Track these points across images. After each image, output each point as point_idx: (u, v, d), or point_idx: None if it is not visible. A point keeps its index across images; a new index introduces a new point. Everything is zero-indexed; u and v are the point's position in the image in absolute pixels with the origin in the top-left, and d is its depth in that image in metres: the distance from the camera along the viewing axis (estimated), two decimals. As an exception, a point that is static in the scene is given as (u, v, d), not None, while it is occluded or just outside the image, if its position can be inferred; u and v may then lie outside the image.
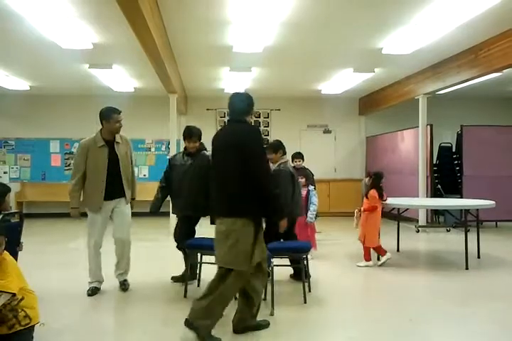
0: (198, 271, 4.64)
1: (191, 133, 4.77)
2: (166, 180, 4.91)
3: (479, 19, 5.64)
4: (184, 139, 4.86)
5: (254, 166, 3.18)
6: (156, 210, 4.84)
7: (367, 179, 5.91)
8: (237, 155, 3.21)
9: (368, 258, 5.63)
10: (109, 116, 4.61)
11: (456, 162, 9.68)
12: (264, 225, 3.49)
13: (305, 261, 4.37)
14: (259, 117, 11.87)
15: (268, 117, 11.86)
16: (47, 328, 2.97)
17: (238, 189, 3.20)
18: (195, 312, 3.22)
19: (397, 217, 6.88)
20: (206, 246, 4.36)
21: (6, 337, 2.51)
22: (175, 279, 4.82)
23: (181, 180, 4.65)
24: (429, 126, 9.11)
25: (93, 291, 4.31)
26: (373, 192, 5.69)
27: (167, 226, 8.68)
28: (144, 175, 11.49)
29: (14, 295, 2.61)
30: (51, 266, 5.61)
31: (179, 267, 4.80)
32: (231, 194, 3.24)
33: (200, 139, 4.82)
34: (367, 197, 5.74)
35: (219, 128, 11.67)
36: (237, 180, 3.20)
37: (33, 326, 2.78)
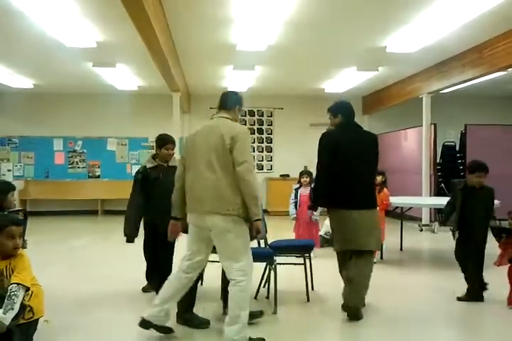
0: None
1: (167, 141, 4.31)
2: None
3: (484, 18, 5.62)
4: (163, 146, 4.27)
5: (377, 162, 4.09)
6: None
7: (379, 177, 5.88)
8: (374, 152, 4.06)
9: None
10: None
11: (459, 161, 9.66)
12: None
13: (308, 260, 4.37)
14: (263, 116, 11.86)
15: (271, 116, 11.85)
16: (49, 326, 2.97)
17: (372, 183, 4.06)
18: (361, 299, 3.66)
19: (400, 215, 6.86)
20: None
21: (7, 329, 2.52)
22: None
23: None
24: (433, 125, 9.10)
25: None
26: (387, 191, 5.88)
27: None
28: (147, 174, 11.48)
29: (28, 289, 2.63)
30: (55, 264, 5.62)
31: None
32: (372, 188, 4.03)
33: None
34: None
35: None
36: (372, 176, 4.06)
37: (37, 320, 2.78)
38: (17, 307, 2.54)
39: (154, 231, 4.03)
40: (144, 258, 4.48)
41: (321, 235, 6.52)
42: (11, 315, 2.51)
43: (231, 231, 3.06)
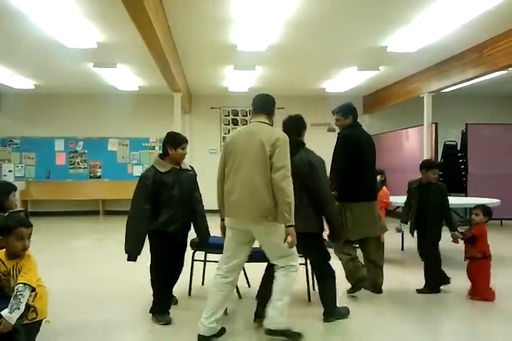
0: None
1: (182, 140, 3.84)
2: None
3: (484, 17, 5.62)
4: (178, 146, 3.77)
5: None
6: None
7: (378, 176, 5.90)
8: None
9: None
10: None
11: (460, 160, 9.65)
12: None
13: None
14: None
15: (272, 116, 11.85)
16: (51, 326, 2.98)
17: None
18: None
19: (401, 215, 6.85)
20: (212, 245, 4.38)
21: (13, 328, 2.53)
22: None
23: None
24: (433, 125, 9.09)
25: None
26: (386, 189, 5.99)
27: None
28: (149, 174, 11.49)
29: (34, 290, 2.64)
30: (56, 264, 5.63)
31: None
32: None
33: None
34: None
35: (223, 126, 11.73)
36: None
37: (40, 321, 2.79)
38: (23, 306, 2.55)
39: (170, 244, 3.65)
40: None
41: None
42: (17, 314, 2.52)
43: (272, 234, 3.14)
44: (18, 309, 2.52)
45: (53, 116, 11.25)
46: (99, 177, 11.50)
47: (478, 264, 4.21)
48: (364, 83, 9.89)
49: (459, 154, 9.81)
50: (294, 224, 3.06)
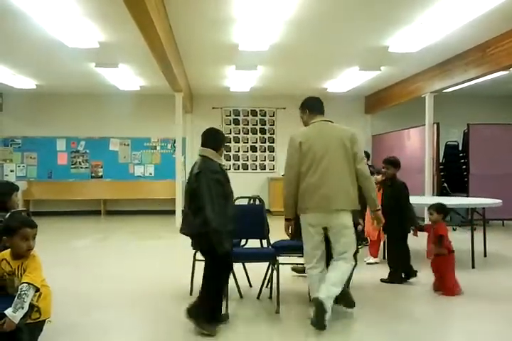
0: None
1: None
2: None
3: (486, 17, 5.61)
4: (224, 144, 3.73)
5: None
6: None
7: (379, 176, 5.89)
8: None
9: (375, 254, 5.74)
10: None
11: (462, 160, 9.63)
12: None
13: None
14: (265, 116, 11.86)
15: (273, 116, 11.85)
16: (52, 326, 2.98)
17: None
18: None
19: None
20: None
21: (16, 327, 2.55)
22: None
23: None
24: (435, 125, 9.08)
25: None
26: None
27: (173, 224, 8.71)
28: (150, 174, 11.52)
29: (38, 290, 2.65)
30: (57, 264, 5.63)
31: (184, 265, 4.79)
32: None
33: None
34: None
35: (225, 126, 11.74)
36: None
37: (43, 321, 2.79)
38: (26, 306, 2.55)
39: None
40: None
41: None
42: (21, 313, 2.52)
43: (349, 227, 3.48)
44: (22, 308, 2.53)
45: (55, 115, 11.26)
46: (101, 177, 11.50)
47: (445, 260, 4.37)
48: (366, 83, 9.88)
49: (461, 154, 9.80)
50: (380, 208, 3.59)
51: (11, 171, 11.28)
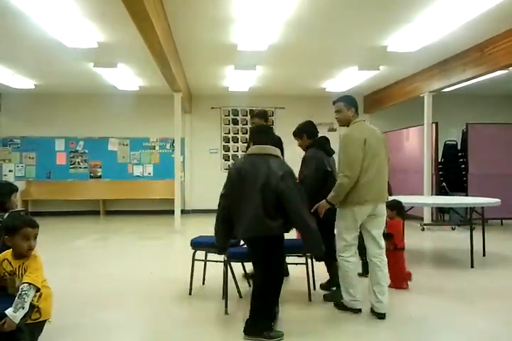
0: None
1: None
2: None
3: (485, 16, 5.61)
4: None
5: None
6: None
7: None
8: None
9: None
10: None
11: (461, 160, 9.65)
12: None
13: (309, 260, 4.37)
14: (264, 115, 11.85)
15: (272, 115, 11.84)
16: (51, 326, 2.98)
17: None
18: None
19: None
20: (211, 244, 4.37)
21: (16, 327, 2.55)
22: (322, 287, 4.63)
23: None
24: (434, 124, 9.09)
25: None
26: None
27: (172, 224, 8.71)
28: (149, 174, 11.51)
29: (39, 290, 2.65)
30: (56, 264, 5.63)
31: (183, 264, 4.80)
32: None
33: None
34: None
35: (223, 126, 11.75)
36: None
37: (43, 322, 2.79)
38: (27, 306, 2.56)
39: None
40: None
41: None
42: (21, 313, 2.53)
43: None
44: (23, 308, 2.53)
45: (54, 116, 11.25)
46: (100, 177, 11.49)
47: (393, 256, 4.41)
48: (364, 83, 9.89)
49: (460, 154, 9.81)
50: None
51: (10, 171, 11.26)
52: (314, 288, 4.45)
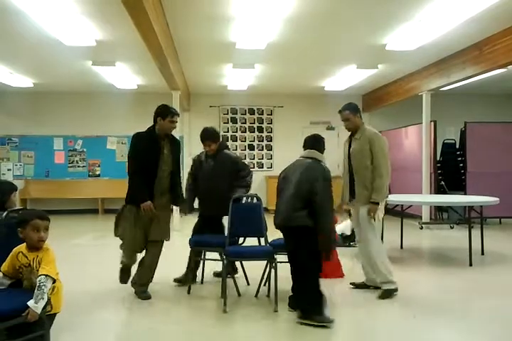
0: (196, 272, 4.67)
1: (202, 138, 4.72)
2: (193, 182, 4.87)
3: (484, 15, 5.61)
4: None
5: None
6: (190, 212, 4.74)
7: None
8: None
9: None
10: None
11: (459, 158, 9.65)
12: None
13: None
14: (263, 114, 11.86)
15: (271, 114, 11.84)
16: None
17: None
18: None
19: (400, 213, 6.86)
20: (210, 243, 4.38)
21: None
22: (177, 281, 4.74)
23: (207, 180, 4.66)
24: (432, 123, 9.10)
25: None
26: None
27: (171, 222, 8.69)
28: (148, 172, 11.48)
29: (55, 281, 2.75)
30: (56, 262, 5.63)
31: (180, 264, 4.80)
32: None
33: (215, 140, 4.67)
34: None
35: (222, 124, 11.74)
36: None
37: (54, 315, 2.86)
38: (46, 297, 2.65)
39: None
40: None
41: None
42: (42, 304, 2.62)
43: None
44: (43, 299, 2.62)
45: (52, 114, 11.23)
46: (98, 175, 11.49)
47: None
48: (363, 81, 9.88)
49: (458, 152, 9.81)
50: None
51: (8, 170, 11.24)
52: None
